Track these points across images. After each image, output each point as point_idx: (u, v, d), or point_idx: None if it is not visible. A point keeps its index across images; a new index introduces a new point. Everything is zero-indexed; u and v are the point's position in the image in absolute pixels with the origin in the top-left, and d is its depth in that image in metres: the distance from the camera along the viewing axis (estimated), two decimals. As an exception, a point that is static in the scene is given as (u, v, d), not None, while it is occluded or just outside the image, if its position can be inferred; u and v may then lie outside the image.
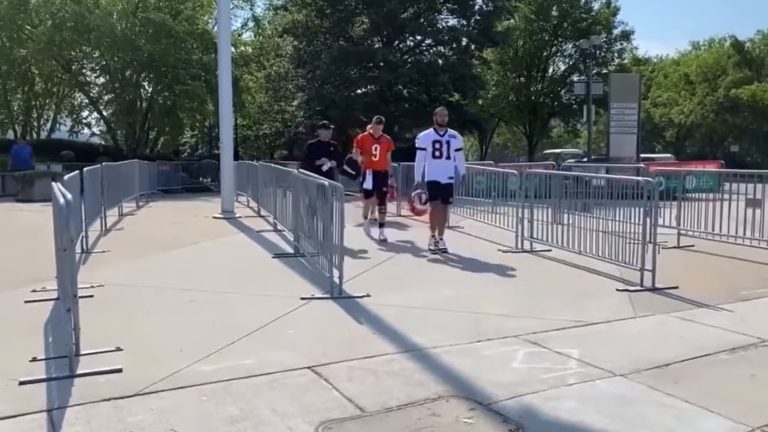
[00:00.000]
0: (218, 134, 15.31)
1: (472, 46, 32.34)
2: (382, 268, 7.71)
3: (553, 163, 20.37)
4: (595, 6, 40.80)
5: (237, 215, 13.21)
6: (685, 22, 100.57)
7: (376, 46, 30.91)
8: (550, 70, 41.91)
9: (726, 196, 9.62)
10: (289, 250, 8.55)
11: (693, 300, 6.01)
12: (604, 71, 37.28)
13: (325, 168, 9.24)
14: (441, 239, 8.72)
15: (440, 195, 8.63)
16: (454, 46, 31.99)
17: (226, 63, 13.60)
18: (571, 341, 4.76)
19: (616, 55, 41.91)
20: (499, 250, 8.85)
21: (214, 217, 13.05)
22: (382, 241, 9.44)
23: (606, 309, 5.71)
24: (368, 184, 9.96)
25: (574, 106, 38.51)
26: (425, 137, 8.72)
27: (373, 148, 9.92)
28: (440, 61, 31.45)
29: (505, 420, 3.41)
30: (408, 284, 6.86)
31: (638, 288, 6.44)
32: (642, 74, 40.31)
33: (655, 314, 5.59)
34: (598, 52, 38.16)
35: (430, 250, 8.64)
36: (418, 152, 8.71)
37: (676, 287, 6.43)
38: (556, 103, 41.39)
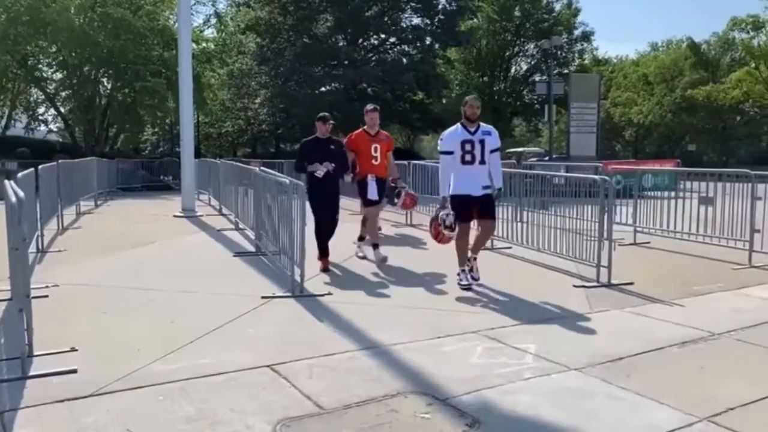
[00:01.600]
0: (179, 132, 15.12)
1: (436, 45, 32.58)
2: (343, 267, 7.70)
3: (515, 161, 20.59)
4: (557, 7, 41.50)
5: (198, 214, 13.06)
6: (644, 24, 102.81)
7: (340, 44, 30.89)
8: (513, 70, 42.45)
9: (681, 194, 9.86)
10: (251, 248, 8.50)
11: (647, 295, 6.15)
12: (565, 71, 37.86)
13: (319, 174, 7.24)
14: (474, 258, 6.68)
15: (474, 212, 6.48)
16: (418, 45, 32.17)
17: (187, 59, 13.43)
18: (528, 336, 4.84)
19: (576, 55, 42.67)
20: (460, 247, 8.90)
21: (175, 216, 12.88)
22: (382, 261, 7.70)
23: (563, 305, 5.82)
24: (372, 193, 7.97)
25: (536, 105, 39.06)
26: (451, 137, 6.45)
27: (373, 149, 8.04)
28: (404, 60, 31.59)
29: (462, 414, 3.46)
30: (369, 282, 6.88)
31: (594, 284, 6.57)
32: (602, 74, 41.19)
33: (610, 310, 5.72)
34: (559, 52, 38.79)
35: (460, 286, 6.48)
36: (443, 158, 6.45)
37: (632, 283, 6.59)
38: (518, 103, 41.92)
